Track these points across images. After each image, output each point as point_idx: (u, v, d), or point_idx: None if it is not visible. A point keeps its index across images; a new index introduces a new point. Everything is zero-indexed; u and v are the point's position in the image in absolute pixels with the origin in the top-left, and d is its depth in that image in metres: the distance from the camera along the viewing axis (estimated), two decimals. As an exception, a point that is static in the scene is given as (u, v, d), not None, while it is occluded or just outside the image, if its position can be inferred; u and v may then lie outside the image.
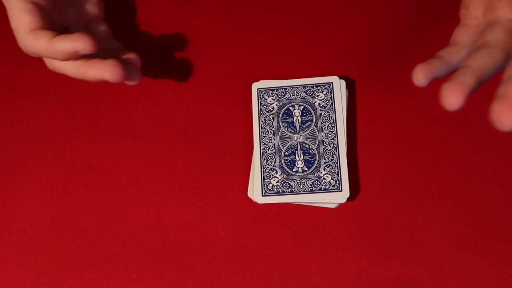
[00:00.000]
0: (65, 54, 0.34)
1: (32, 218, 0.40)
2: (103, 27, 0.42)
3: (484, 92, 0.41)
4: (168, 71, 0.43)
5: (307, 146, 0.39)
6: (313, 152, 0.38)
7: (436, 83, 0.40)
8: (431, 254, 0.37)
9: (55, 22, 0.38)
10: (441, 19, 0.42)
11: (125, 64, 0.37)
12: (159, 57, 0.44)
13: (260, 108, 0.40)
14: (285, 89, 0.40)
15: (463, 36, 0.36)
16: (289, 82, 0.41)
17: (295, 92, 0.40)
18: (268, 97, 0.40)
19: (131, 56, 0.39)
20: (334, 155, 0.38)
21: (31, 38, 0.35)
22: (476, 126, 0.40)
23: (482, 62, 0.31)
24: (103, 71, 0.35)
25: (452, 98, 0.29)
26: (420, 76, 0.32)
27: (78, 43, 0.34)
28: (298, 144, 0.39)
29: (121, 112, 0.42)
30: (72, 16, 0.40)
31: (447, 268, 0.36)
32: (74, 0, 0.40)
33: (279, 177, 0.38)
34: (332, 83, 0.40)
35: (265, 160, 0.39)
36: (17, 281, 0.38)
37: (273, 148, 0.39)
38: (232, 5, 0.45)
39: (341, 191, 0.37)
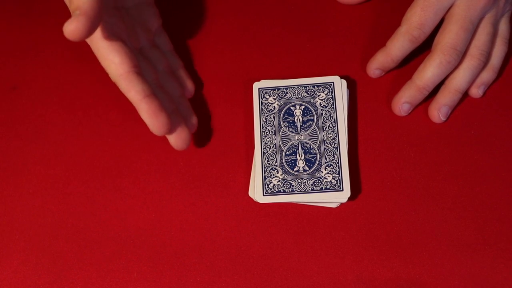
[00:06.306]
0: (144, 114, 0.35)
1: (32, 217, 0.40)
2: (165, 39, 0.42)
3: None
4: (169, 71, 0.43)
5: (308, 145, 0.39)
6: (314, 151, 0.38)
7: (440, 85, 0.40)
8: (431, 254, 0.37)
9: (132, 49, 0.37)
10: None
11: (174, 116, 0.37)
12: (160, 57, 0.44)
13: (261, 108, 0.40)
14: (286, 88, 0.41)
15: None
16: (290, 81, 0.41)
17: (296, 91, 0.40)
18: (269, 96, 0.40)
19: (187, 87, 0.41)
20: (335, 155, 0.38)
21: (123, 83, 0.35)
22: (476, 126, 0.40)
23: None
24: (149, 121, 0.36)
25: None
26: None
27: (156, 121, 0.35)
28: (299, 144, 0.39)
29: (121, 112, 0.42)
30: (142, 36, 0.39)
31: (447, 268, 0.36)
32: (140, 18, 0.40)
33: (280, 177, 0.38)
34: (333, 82, 0.40)
35: (266, 159, 0.39)
36: (17, 280, 0.38)
37: (274, 147, 0.39)
38: (232, 5, 0.45)
39: (342, 190, 0.37)
